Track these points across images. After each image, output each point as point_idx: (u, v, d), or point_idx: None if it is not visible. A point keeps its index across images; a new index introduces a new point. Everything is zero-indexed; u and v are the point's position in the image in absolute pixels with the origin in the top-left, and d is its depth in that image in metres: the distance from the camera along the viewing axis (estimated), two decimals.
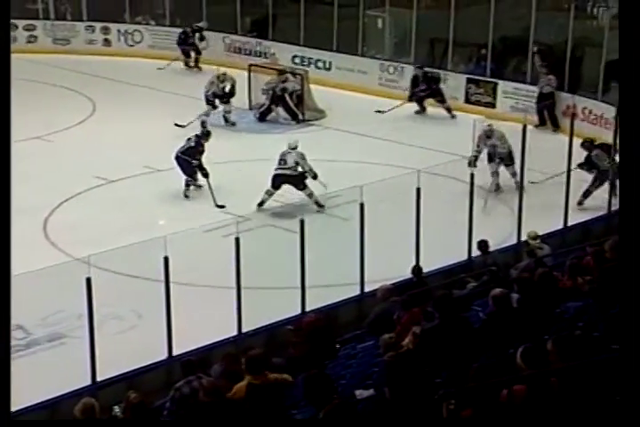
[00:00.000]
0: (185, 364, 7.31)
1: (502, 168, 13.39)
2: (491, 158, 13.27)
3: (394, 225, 11.14)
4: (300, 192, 12.92)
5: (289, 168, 12.91)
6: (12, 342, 8.49)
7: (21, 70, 18.80)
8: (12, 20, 20.50)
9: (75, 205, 12.96)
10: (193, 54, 19.75)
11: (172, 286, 8.71)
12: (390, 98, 17.89)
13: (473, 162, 12.92)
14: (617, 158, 11.95)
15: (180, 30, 20.04)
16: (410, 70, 17.90)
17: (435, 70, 17.57)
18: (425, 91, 17.16)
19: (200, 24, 20.43)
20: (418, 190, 10.30)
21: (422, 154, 14.60)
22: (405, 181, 12.36)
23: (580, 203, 12.61)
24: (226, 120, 16.36)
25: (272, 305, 9.77)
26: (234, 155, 14.78)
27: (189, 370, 7.18)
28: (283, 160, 12.98)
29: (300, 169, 12.95)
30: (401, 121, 16.80)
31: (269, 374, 6.30)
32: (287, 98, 16.66)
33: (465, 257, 10.72)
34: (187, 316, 8.95)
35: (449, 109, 17.12)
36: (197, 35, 19.82)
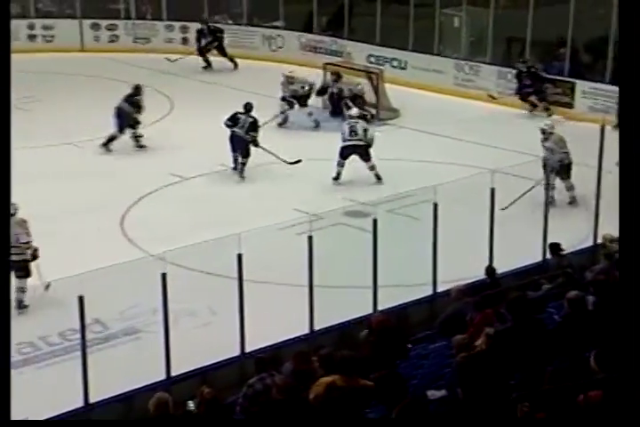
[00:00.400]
0: (258, 361, 7.37)
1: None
2: (545, 166, 12.07)
3: (467, 225, 11.07)
4: (364, 163, 13.70)
5: (358, 139, 13.66)
6: (91, 336, 8.69)
7: (103, 68, 19.21)
8: (95, 20, 20.98)
9: (151, 202, 13.15)
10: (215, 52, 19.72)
11: (245, 283, 8.79)
12: (465, 98, 17.78)
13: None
14: None
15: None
16: (487, 69, 17.76)
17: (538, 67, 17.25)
18: (530, 87, 16.94)
19: (277, 23, 20.60)
20: (492, 190, 10.22)
21: (496, 154, 14.47)
22: (479, 181, 12.28)
23: None
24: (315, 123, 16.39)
25: (344, 304, 9.79)
26: (313, 153, 14.85)
27: (262, 367, 7.23)
28: (353, 131, 13.69)
29: (367, 138, 13.70)
30: (474, 121, 16.67)
31: (357, 379, 6.27)
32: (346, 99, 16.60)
33: (540, 258, 10.61)
34: (259, 313, 9.02)
35: (547, 108, 16.86)
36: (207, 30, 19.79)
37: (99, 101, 16.96)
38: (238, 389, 7.39)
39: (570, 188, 12.82)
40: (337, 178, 13.64)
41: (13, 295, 9.69)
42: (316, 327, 9.34)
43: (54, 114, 16.68)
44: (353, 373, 6.25)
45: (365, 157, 13.64)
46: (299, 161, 14.08)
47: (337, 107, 16.68)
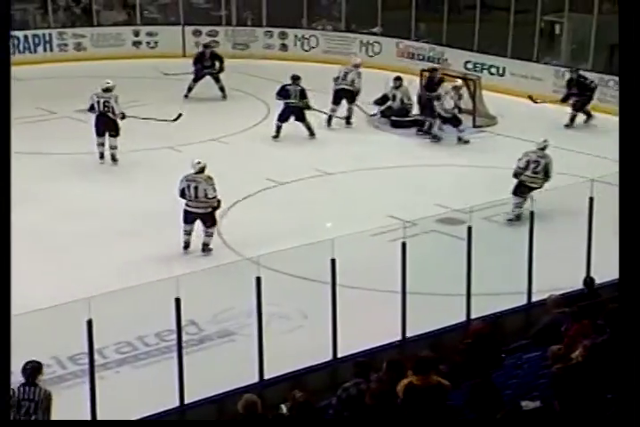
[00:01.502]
0: (357, 364, 7.36)
1: None
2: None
3: (565, 234, 10.89)
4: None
5: (348, 84, 16.15)
6: (186, 338, 8.82)
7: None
8: (196, 27, 21.35)
9: (246, 206, 13.29)
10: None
11: (337, 288, 8.81)
12: (564, 106, 17.52)
13: None
14: None
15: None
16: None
17: (590, 77, 16.97)
18: (576, 95, 16.65)
19: (374, 29, 20.65)
20: (591, 200, 10.04)
21: (596, 163, 14.20)
22: (578, 189, 12.08)
23: None
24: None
25: (437, 311, 9.73)
26: (403, 159, 14.84)
27: (361, 371, 7.22)
28: (343, 77, 16.22)
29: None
30: (574, 128, 16.41)
31: (432, 376, 6.29)
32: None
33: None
34: (351, 318, 9.03)
35: (589, 115, 16.54)
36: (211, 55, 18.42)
37: (195, 108, 17.26)
38: (330, 393, 7.41)
39: None
40: (329, 123, 16.00)
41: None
42: (409, 334, 9.31)
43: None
44: (428, 371, 6.26)
45: (351, 100, 16.18)
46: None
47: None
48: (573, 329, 7.44)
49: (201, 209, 11.55)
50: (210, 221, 11.65)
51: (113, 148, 14.82)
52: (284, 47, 21.48)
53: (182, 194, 11.60)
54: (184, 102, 17.78)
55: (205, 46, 19.15)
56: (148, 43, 21.08)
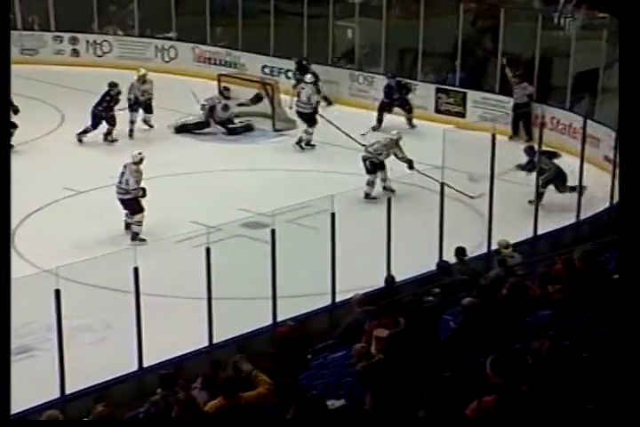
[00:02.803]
0: (163, 377, 7.23)
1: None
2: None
3: (364, 235, 11.15)
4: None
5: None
6: None
7: None
8: None
9: (43, 216, 12.86)
10: None
11: (142, 296, 8.66)
12: (360, 108, 17.95)
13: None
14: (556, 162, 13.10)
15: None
16: (380, 80, 17.97)
17: (406, 80, 17.60)
18: (398, 100, 17.21)
19: (170, 34, 20.44)
20: (389, 200, 10.34)
21: (394, 163, 14.60)
22: (376, 191, 12.41)
23: (532, 201, 12.66)
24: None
25: (243, 316, 9.74)
26: (205, 164, 14.77)
27: (167, 383, 7.11)
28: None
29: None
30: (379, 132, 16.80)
31: (242, 395, 6.26)
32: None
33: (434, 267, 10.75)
34: (157, 327, 8.90)
35: (410, 120, 17.18)
36: None
37: None
38: (137, 404, 7.26)
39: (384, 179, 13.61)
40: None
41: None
42: (216, 340, 9.26)
43: None
44: (235, 392, 6.25)
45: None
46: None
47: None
48: (372, 326, 7.60)
49: (120, 195, 12.38)
50: (130, 208, 12.37)
51: None
52: (75, 52, 20.88)
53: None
54: None
55: None
56: None
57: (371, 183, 13.55)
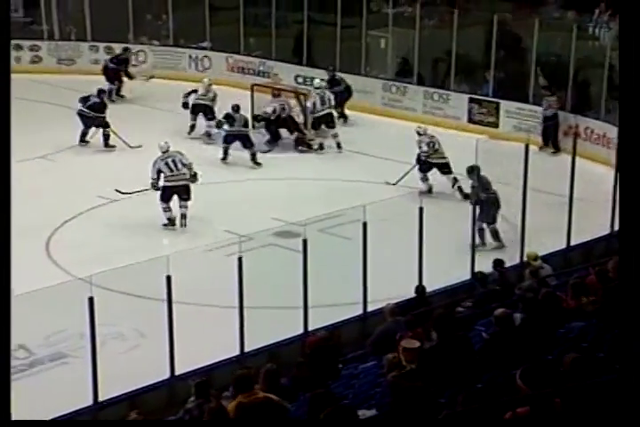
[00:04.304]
0: (197, 385, 7.26)
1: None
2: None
3: (397, 244, 11.13)
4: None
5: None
6: (15, 362, 8.51)
7: (24, 90, 18.89)
8: (17, 41, 20.66)
9: (77, 225, 12.96)
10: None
11: (174, 305, 8.70)
12: (391, 117, 17.97)
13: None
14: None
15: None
16: (413, 90, 17.98)
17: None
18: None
19: (204, 44, 20.61)
20: (421, 210, 10.32)
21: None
22: (408, 200, 12.39)
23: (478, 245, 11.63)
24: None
25: (275, 325, 9.75)
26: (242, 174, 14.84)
27: (201, 391, 7.14)
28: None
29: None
30: (404, 140, 16.78)
31: (258, 393, 6.26)
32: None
33: (468, 277, 10.72)
34: (189, 335, 8.94)
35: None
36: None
37: (19, 124, 16.69)
38: (169, 412, 7.29)
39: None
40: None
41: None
42: (247, 349, 9.28)
43: None
44: (250, 388, 6.21)
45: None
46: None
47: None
48: (407, 337, 7.59)
49: (183, 181, 13.00)
50: (189, 194, 12.99)
51: None
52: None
53: (158, 174, 13.00)
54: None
55: None
56: None
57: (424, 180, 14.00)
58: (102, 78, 18.96)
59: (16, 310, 7.72)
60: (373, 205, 10.25)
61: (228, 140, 15.58)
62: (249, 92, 17.45)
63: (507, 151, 13.22)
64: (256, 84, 17.88)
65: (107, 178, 14.57)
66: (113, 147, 16.09)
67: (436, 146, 14.30)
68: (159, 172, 13.01)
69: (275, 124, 16.51)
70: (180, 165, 13.11)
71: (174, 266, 8.51)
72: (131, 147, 15.90)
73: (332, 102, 16.61)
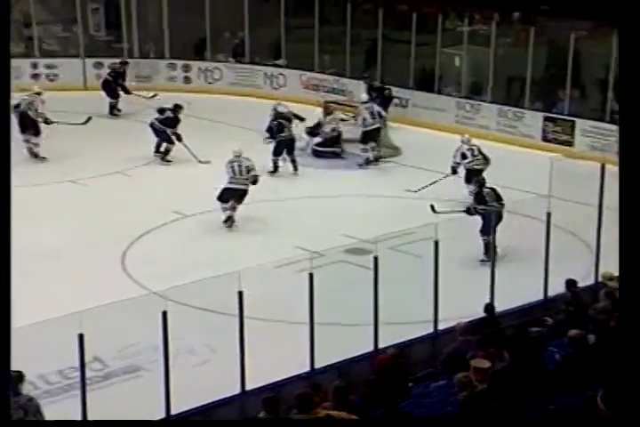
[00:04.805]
0: (266, 401, 7.28)
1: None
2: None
3: (468, 263, 11.06)
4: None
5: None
6: (90, 374, 8.64)
7: (103, 106, 19.29)
8: (97, 59, 21.11)
9: (152, 239, 13.16)
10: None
11: (245, 320, 8.76)
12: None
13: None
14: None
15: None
16: (487, 108, 17.88)
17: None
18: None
19: (279, 61, 20.82)
20: (493, 228, 10.23)
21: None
22: (479, 218, 12.28)
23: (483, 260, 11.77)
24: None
25: (345, 342, 9.75)
26: (312, 190, 14.92)
27: (270, 407, 7.15)
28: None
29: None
30: None
31: (319, 412, 6.25)
32: None
33: (542, 296, 10.59)
34: (259, 351, 8.98)
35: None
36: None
37: (101, 139, 17.08)
38: None
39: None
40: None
41: None
42: (317, 365, 9.29)
43: (59, 152, 16.72)
44: (311, 408, 6.21)
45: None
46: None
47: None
48: (478, 357, 7.52)
49: (242, 186, 13.68)
50: (242, 198, 13.62)
51: (36, 145, 16.46)
52: (187, 79, 21.42)
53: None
54: (87, 134, 17.51)
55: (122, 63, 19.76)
56: (47, 75, 20.76)
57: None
58: (177, 95, 19.24)
59: (91, 323, 7.90)
60: (445, 223, 10.22)
61: (279, 150, 15.75)
62: (322, 110, 17.56)
63: (582, 170, 13.07)
64: (329, 102, 17.99)
65: (182, 193, 14.79)
66: (169, 162, 16.39)
67: (475, 152, 14.60)
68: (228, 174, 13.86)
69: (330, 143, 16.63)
70: (244, 171, 13.74)
71: (245, 281, 8.57)
72: (200, 162, 16.09)
73: (383, 114, 16.72)
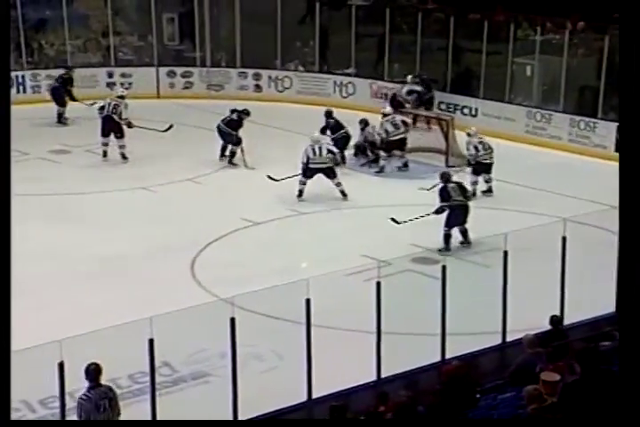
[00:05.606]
0: (334, 409, 7.30)
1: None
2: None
3: (539, 274, 10.93)
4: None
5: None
6: (160, 379, 8.74)
7: (177, 114, 19.54)
8: (170, 68, 21.43)
9: (221, 246, 13.27)
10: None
11: (312, 328, 8.79)
12: (535, 145, 17.73)
13: None
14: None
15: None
16: (558, 117, 17.69)
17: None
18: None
19: (348, 70, 20.86)
20: (564, 239, 10.12)
21: (568, 202, 14.33)
22: (551, 229, 12.15)
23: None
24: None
25: (412, 351, 9.72)
26: (376, 199, 14.94)
27: (338, 416, 7.17)
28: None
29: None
30: (548, 169, 16.55)
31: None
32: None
33: (612, 309, 10.43)
34: (326, 358, 8.99)
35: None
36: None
37: (174, 147, 17.30)
38: None
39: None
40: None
41: None
42: (384, 375, 9.27)
43: (130, 159, 16.98)
44: None
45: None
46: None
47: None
48: (549, 370, 7.44)
49: (326, 164, 14.75)
50: (332, 173, 14.77)
51: (121, 147, 16.82)
52: (258, 88, 21.60)
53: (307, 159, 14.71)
54: (159, 141, 17.75)
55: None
56: (122, 84, 21.11)
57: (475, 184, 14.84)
58: (248, 103, 19.38)
59: (161, 328, 8.00)
60: (514, 233, 10.12)
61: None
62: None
63: None
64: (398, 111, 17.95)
65: (251, 200, 14.90)
66: (235, 165, 16.60)
67: (486, 146, 15.07)
68: (307, 157, 14.71)
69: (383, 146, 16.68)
70: (324, 151, 14.77)
71: (313, 289, 8.60)
72: (246, 166, 16.42)
73: (408, 121, 17.00)
